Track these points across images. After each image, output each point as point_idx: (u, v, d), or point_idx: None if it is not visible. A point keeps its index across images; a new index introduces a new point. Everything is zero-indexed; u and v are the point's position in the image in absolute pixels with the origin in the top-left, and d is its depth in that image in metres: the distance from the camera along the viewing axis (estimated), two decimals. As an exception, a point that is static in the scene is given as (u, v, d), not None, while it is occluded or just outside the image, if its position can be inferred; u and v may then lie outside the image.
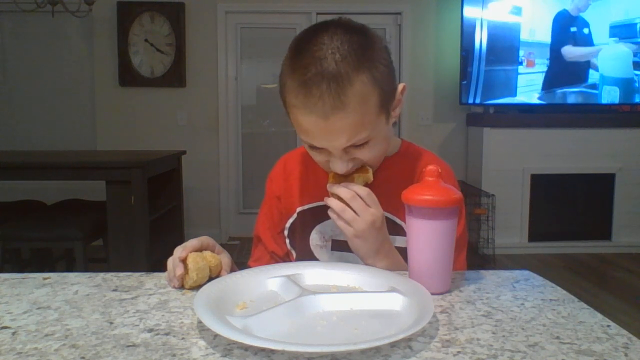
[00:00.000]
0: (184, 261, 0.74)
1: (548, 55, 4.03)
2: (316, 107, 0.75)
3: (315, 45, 0.76)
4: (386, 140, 0.87)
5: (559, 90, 4.05)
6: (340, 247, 0.94)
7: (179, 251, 0.75)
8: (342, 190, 0.79)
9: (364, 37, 0.78)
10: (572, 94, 4.05)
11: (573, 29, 4.03)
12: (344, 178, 0.80)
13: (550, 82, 4.05)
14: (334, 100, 0.74)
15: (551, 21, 4.02)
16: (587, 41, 4.04)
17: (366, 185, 0.81)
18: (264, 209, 1.03)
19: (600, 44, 4.02)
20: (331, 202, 0.80)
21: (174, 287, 0.74)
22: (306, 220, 0.96)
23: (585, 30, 4.04)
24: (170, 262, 0.76)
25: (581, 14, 4.02)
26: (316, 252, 0.94)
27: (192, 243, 0.77)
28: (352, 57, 0.75)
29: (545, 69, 4.05)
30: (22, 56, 4.28)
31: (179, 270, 0.73)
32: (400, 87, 0.86)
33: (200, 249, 0.78)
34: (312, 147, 0.84)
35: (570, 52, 4.04)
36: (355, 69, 0.75)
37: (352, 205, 0.78)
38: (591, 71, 4.04)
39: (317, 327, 0.60)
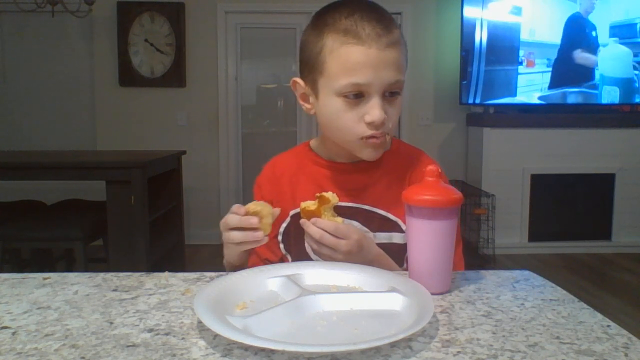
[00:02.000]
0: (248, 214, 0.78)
1: (555, 56, 4.04)
2: (370, 36, 0.81)
3: (349, 2, 0.85)
4: (401, 108, 0.90)
5: (559, 90, 4.06)
6: None
7: (234, 216, 0.78)
8: (310, 230, 0.79)
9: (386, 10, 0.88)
10: (572, 94, 4.05)
11: (583, 33, 4.06)
12: (313, 213, 0.80)
13: (557, 82, 4.05)
14: (386, 32, 0.82)
15: (556, 22, 4.02)
16: (595, 44, 4.05)
17: (336, 206, 0.82)
18: None
19: (601, 44, 4.03)
20: (308, 240, 0.81)
21: (254, 240, 0.77)
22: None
23: (593, 33, 4.06)
24: (228, 226, 0.78)
25: (589, 17, 4.03)
26: (312, 254, 0.94)
27: (237, 207, 0.80)
28: (387, 14, 0.85)
29: (544, 68, 4.05)
30: (22, 56, 4.28)
31: (254, 219, 0.77)
32: None
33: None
34: (347, 98, 0.84)
35: (580, 56, 4.06)
36: (391, 22, 0.85)
37: (324, 243, 0.79)
38: (595, 71, 4.05)
39: (317, 327, 0.59)
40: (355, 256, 0.80)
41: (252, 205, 0.78)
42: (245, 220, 0.77)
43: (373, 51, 0.81)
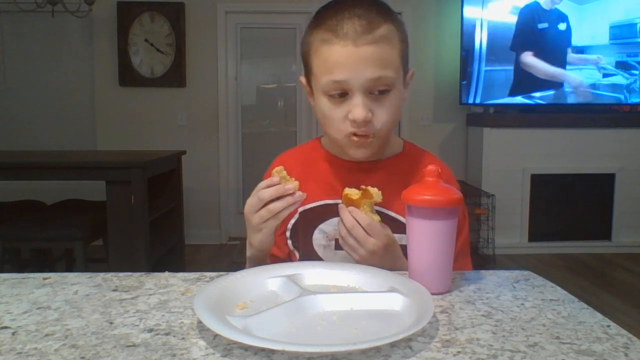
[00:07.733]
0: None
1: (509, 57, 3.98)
2: (347, 34, 0.80)
3: (344, 1, 0.84)
4: (399, 109, 0.88)
5: (534, 94, 4.03)
6: None
7: (269, 190, 0.78)
8: (345, 217, 0.79)
9: (387, 5, 0.87)
10: (572, 94, 4.05)
11: (542, 25, 3.94)
12: (352, 202, 0.80)
13: (515, 88, 4.02)
14: (365, 29, 0.80)
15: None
16: (565, 39, 3.97)
17: (376, 204, 0.81)
18: None
19: (595, 44, 4.01)
20: (339, 226, 0.81)
21: (297, 202, 0.78)
22: (308, 220, 0.95)
23: (562, 26, 3.97)
24: (263, 202, 0.78)
25: (557, 7, 3.95)
26: (319, 251, 0.94)
27: (264, 183, 0.81)
28: (379, 8, 0.84)
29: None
30: (22, 56, 4.28)
31: (291, 185, 0.78)
32: (410, 71, 0.90)
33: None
34: (333, 97, 0.84)
35: (532, 63, 3.98)
36: (383, 17, 0.83)
37: (353, 234, 0.78)
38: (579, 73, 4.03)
39: (317, 327, 0.59)
40: (378, 258, 0.79)
41: (276, 173, 0.79)
42: (281, 189, 0.78)
43: (350, 49, 0.80)
